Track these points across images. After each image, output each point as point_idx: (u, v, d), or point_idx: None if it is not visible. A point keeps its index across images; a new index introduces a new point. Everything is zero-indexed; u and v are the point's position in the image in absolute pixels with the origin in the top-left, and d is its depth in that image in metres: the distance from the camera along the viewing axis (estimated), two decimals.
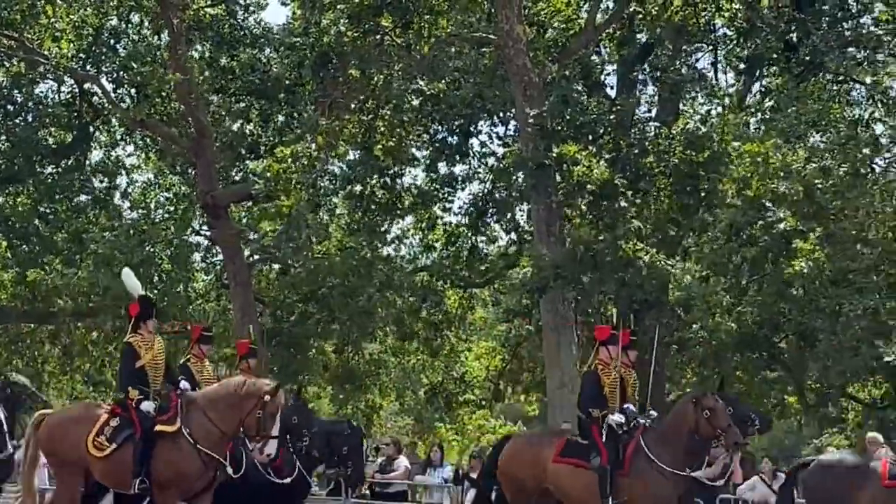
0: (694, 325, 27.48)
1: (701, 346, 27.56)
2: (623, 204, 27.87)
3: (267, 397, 15.35)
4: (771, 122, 28.97)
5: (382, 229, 33.78)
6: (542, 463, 16.27)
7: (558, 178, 28.52)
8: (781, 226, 25.12)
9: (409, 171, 34.65)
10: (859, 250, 26.09)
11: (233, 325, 32.40)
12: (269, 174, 30.21)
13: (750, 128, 30.16)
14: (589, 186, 27.59)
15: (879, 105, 29.47)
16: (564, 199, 28.98)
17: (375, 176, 32.97)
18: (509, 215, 33.65)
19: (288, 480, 17.10)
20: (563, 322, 28.88)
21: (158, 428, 15.55)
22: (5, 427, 19.01)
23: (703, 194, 27.23)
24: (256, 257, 34.03)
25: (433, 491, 25.31)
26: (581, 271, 27.34)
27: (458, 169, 33.81)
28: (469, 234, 34.24)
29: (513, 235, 34.89)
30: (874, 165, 28.31)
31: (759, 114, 31.24)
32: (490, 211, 33.26)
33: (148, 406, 15.74)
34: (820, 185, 25.97)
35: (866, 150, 27.74)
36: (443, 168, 33.79)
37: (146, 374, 16.00)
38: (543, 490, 16.44)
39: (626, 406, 16.58)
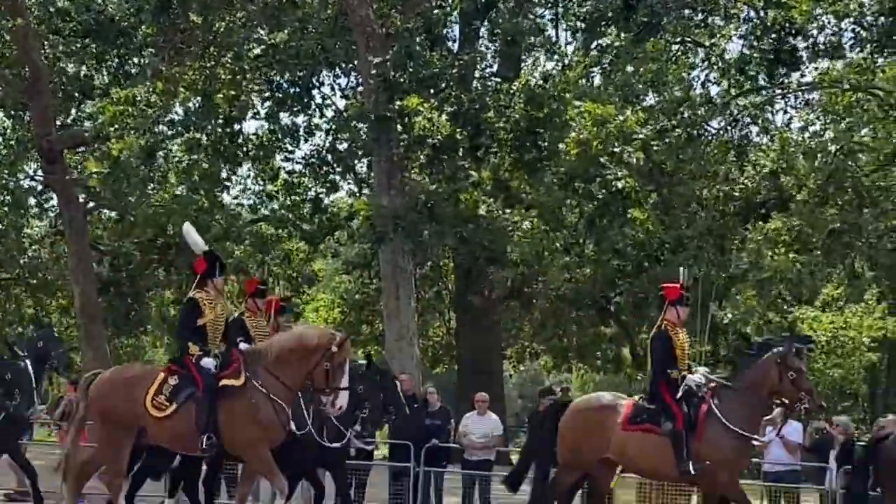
0: (537, 283, 27.88)
1: (541, 300, 27.96)
2: (463, 158, 28.02)
3: (334, 348, 14.70)
4: (609, 80, 29.40)
5: (223, 177, 33.43)
6: (608, 431, 15.20)
7: (400, 130, 28.61)
8: (619, 184, 25.48)
9: (251, 121, 34.40)
10: (693, 212, 26.67)
11: (68, 272, 31.95)
12: (103, 116, 29.68)
13: (587, 82, 30.55)
14: (430, 140, 27.69)
15: (715, 67, 30.06)
16: (405, 151, 29.07)
17: (218, 125, 32.57)
18: (350, 167, 33.64)
19: (338, 445, 16.56)
20: (403, 274, 29.03)
21: (223, 382, 14.80)
22: (33, 383, 18.18)
23: (543, 151, 27.46)
24: (92, 204, 33.52)
25: None
26: (420, 223, 27.50)
27: (300, 120, 33.68)
28: (310, 186, 34.15)
29: (353, 187, 34.90)
30: (708, 127, 28.96)
31: (598, 69, 31.59)
32: (331, 162, 33.22)
33: (209, 362, 14.96)
34: (656, 147, 26.47)
35: (701, 111, 28.37)
36: (284, 118, 33.64)
37: (206, 332, 15.22)
38: (602, 460, 15.48)
39: (694, 366, 15.64)
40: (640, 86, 28.56)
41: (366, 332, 37.62)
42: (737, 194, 27.71)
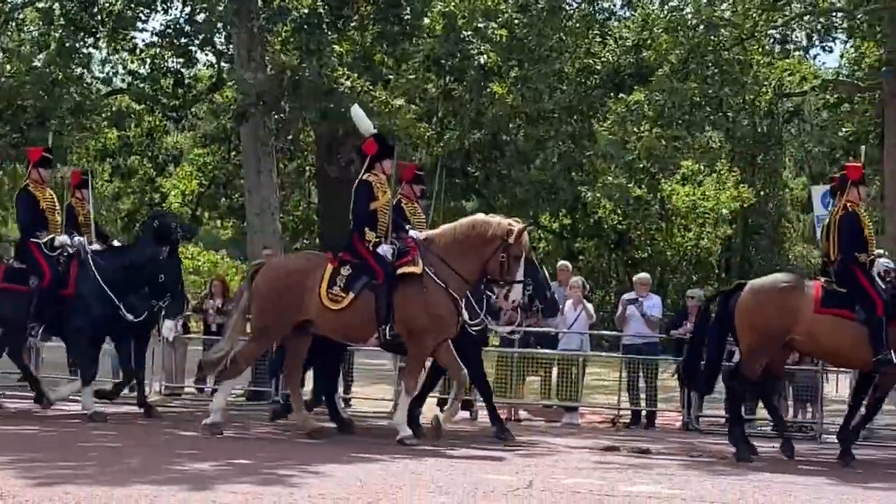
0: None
1: None
2: (327, 32, 27.66)
3: (511, 239, 14.28)
4: None
5: (78, 46, 32.52)
6: (798, 312, 14.57)
7: (260, 2, 28.15)
8: (482, 59, 25.41)
9: None
10: (555, 87, 26.77)
11: None
12: None
13: None
14: (293, 13, 27.31)
15: None
16: (266, 24, 28.61)
17: None
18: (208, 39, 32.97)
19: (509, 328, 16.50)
20: (264, 148, 28.77)
21: (402, 270, 14.39)
22: (183, 285, 17.39)
23: (406, 26, 27.24)
24: None
25: None
26: (283, 98, 27.20)
27: None
28: (169, 58, 33.44)
29: (212, 58, 34.28)
30: (571, 1, 29.00)
31: None
32: (190, 34, 32.51)
33: (386, 249, 14.56)
34: (518, 21, 26.43)
35: None
36: None
37: (377, 217, 14.76)
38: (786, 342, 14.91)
39: (877, 251, 15.18)
40: None
41: (223, 206, 37.35)
42: (598, 68, 27.85)
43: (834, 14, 27.61)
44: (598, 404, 19.80)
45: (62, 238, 16.58)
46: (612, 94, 26.93)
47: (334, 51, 27.25)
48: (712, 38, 24.93)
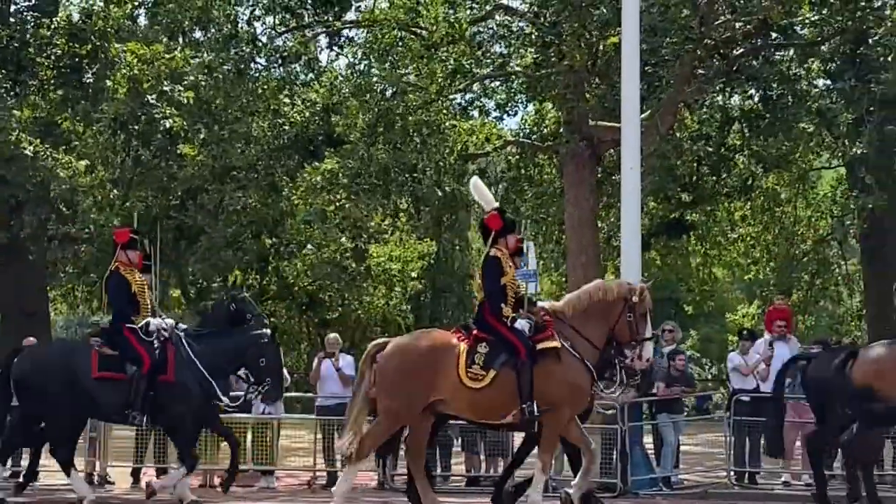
0: (77, 221, 27.32)
1: (87, 241, 27.39)
2: (6, 97, 27.06)
3: (635, 299, 14.40)
4: (154, 20, 28.98)
5: None
6: None
7: None
8: (168, 123, 25.24)
9: None
10: (241, 148, 26.79)
11: None
12: None
13: (133, 22, 30.05)
14: None
15: (260, 5, 30.03)
16: None
17: None
18: None
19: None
20: None
21: (542, 346, 14.15)
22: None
23: (88, 90, 26.86)
24: None
25: None
26: None
27: None
28: None
29: None
30: (256, 64, 29.10)
31: (143, 9, 31.06)
32: None
33: (523, 324, 14.26)
34: (204, 83, 26.38)
35: (248, 48, 28.47)
36: None
37: (507, 293, 14.50)
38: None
39: None
40: (187, 22, 28.28)
41: None
42: (287, 128, 28.02)
43: (515, 77, 28.45)
44: (294, 467, 19.77)
45: (157, 322, 15.97)
46: (306, 159, 27.15)
47: (14, 116, 26.57)
48: (400, 102, 25.37)
